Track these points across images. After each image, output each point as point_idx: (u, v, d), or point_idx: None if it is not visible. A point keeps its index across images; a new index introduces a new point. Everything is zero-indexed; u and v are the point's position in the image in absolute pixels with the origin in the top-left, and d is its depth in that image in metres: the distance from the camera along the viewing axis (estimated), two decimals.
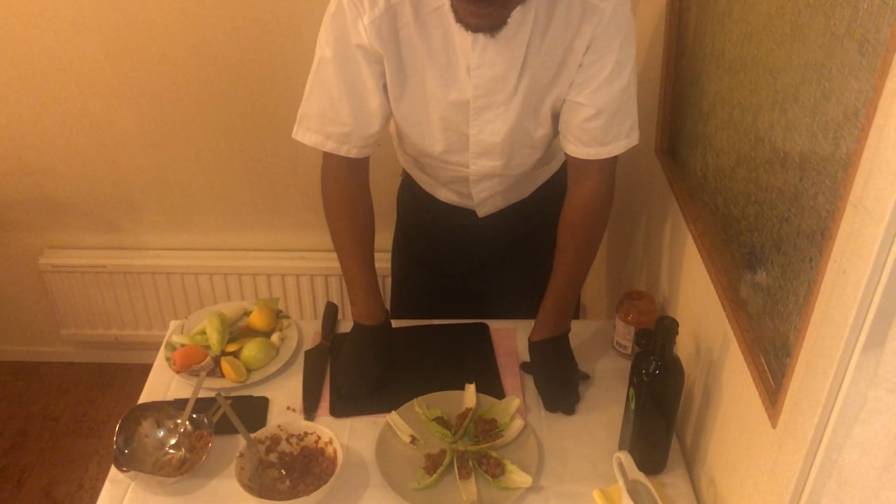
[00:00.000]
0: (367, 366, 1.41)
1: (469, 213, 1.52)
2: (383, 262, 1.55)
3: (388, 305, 1.59)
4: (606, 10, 1.16)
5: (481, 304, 1.64)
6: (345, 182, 1.34)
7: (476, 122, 1.27)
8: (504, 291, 1.64)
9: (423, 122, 1.29)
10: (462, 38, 1.17)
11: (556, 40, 1.19)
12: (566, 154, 1.31)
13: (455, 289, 1.65)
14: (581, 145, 1.27)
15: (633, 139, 1.28)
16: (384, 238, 1.58)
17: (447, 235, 1.59)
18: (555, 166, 1.53)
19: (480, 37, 1.15)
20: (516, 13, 1.13)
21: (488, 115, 1.26)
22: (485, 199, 1.46)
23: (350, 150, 1.29)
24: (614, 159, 1.30)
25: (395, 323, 1.53)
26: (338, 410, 1.36)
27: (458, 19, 1.10)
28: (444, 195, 1.52)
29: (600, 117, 1.24)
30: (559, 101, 1.26)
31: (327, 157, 1.33)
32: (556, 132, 1.34)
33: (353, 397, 1.38)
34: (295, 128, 1.30)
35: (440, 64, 1.21)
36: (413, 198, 1.59)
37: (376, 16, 1.16)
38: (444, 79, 1.22)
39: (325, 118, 1.27)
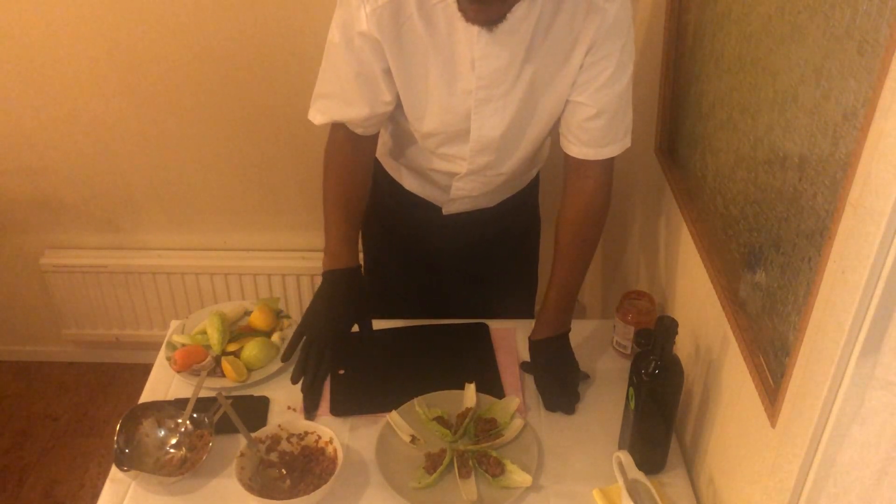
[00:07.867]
0: (337, 311, 1.33)
1: (432, 208, 1.51)
2: None
3: None
4: (610, 11, 1.17)
5: (440, 298, 1.65)
6: (346, 155, 1.36)
7: (477, 117, 1.27)
8: (459, 291, 1.65)
9: (425, 115, 1.30)
10: (467, 31, 1.17)
11: (560, 37, 1.20)
12: (565, 154, 1.33)
13: (417, 280, 1.66)
14: (581, 145, 1.29)
15: (627, 142, 1.32)
16: None
17: (408, 226, 1.58)
18: (524, 183, 1.55)
19: (484, 28, 1.16)
20: (522, 7, 1.13)
21: (489, 108, 1.26)
22: (458, 197, 1.46)
23: (356, 129, 1.32)
24: (612, 158, 1.32)
25: (387, 323, 1.54)
26: (338, 410, 1.37)
27: (460, 8, 1.11)
28: (412, 185, 1.51)
29: (601, 118, 1.25)
30: (557, 101, 1.27)
31: (334, 129, 1.35)
32: (548, 134, 1.36)
33: (319, 351, 1.29)
34: (310, 109, 1.33)
35: (444, 56, 1.21)
36: (375, 184, 1.56)
37: (379, 5, 1.16)
38: (448, 71, 1.23)
39: (334, 100, 1.29)
